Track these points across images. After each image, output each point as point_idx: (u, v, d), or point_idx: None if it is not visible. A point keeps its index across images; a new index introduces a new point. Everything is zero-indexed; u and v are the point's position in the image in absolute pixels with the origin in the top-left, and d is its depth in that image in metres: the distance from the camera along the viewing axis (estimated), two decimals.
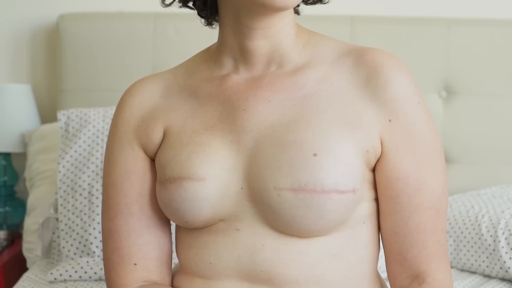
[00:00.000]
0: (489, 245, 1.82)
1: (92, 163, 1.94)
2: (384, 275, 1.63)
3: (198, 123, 1.15)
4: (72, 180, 1.93)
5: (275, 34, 1.13)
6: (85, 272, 1.83)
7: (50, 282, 1.84)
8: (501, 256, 1.79)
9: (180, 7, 1.21)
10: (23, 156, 2.40)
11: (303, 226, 1.08)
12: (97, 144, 1.97)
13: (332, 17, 2.25)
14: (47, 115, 2.44)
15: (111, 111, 2.03)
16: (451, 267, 1.90)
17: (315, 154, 1.07)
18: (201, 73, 1.19)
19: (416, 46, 2.23)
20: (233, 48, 1.16)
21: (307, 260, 1.10)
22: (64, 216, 1.91)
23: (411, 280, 1.13)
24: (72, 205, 1.91)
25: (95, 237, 1.87)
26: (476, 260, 1.85)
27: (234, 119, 1.13)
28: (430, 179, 1.11)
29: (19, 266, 2.20)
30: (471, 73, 2.23)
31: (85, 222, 1.89)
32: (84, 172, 1.93)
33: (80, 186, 1.92)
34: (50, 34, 2.42)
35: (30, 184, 2.22)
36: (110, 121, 2.00)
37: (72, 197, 1.92)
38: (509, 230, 1.80)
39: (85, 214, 1.90)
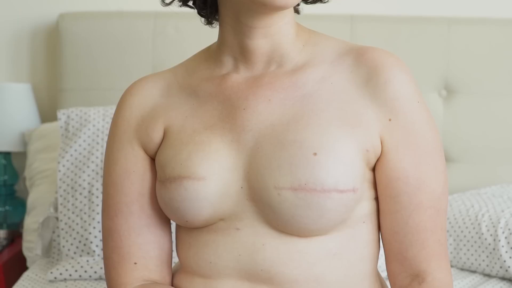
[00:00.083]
0: (489, 244, 1.82)
1: (92, 162, 1.94)
2: (384, 274, 1.63)
3: (198, 123, 1.15)
4: (72, 179, 1.93)
5: (275, 33, 1.13)
6: (85, 271, 1.83)
7: (50, 281, 1.84)
8: (501, 255, 1.79)
9: (180, 6, 1.21)
10: (23, 155, 2.40)
11: (303, 225, 1.08)
12: (97, 143, 1.97)
13: (332, 16, 2.25)
14: (47, 114, 2.44)
15: (111, 110, 2.03)
16: (451, 266, 1.90)
17: (315, 154, 1.07)
18: (201, 72, 1.19)
19: (416, 45, 2.23)
20: (233, 47, 1.16)
21: (307, 259, 1.10)
22: (64, 215, 1.91)
23: (411, 279, 1.13)
24: (72, 204, 1.91)
25: (95, 236, 1.87)
26: (476, 259, 1.85)
27: (234, 118, 1.13)
28: (430, 178, 1.11)
29: (19, 265, 2.20)
30: (471, 72, 2.23)
31: (85, 221, 1.89)
32: (84, 171, 1.93)
33: (80, 185, 1.92)
34: (50, 33, 2.42)
35: (30, 183, 2.22)
36: (110, 120, 2.00)
37: (72, 196, 1.92)
38: (509, 229, 1.80)
39: (85, 213, 1.90)
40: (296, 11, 1.21)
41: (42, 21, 2.43)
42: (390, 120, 1.11)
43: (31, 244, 2.09)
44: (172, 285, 1.21)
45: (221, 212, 1.12)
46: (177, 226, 1.21)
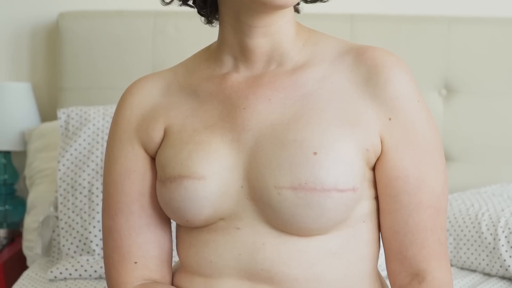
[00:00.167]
0: (489, 243, 1.82)
1: (92, 161, 1.94)
2: (384, 273, 1.63)
3: (199, 122, 1.15)
4: (72, 179, 1.93)
5: (275, 32, 1.13)
6: (85, 271, 1.83)
7: (50, 280, 1.84)
8: (501, 255, 1.79)
9: (180, 5, 1.21)
10: (23, 154, 2.40)
11: (303, 224, 1.08)
12: (97, 142, 1.97)
13: (332, 15, 2.25)
14: (47, 113, 2.44)
15: (111, 109, 2.03)
16: (451, 265, 1.90)
17: (315, 153, 1.07)
18: (201, 71, 1.19)
19: (416, 44, 2.23)
20: (233, 46, 1.16)
21: (307, 258, 1.10)
22: (64, 214, 1.91)
23: (411, 279, 1.13)
24: (72, 203, 1.91)
25: (95, 235, 1.87)
26: (476, 258, 1.85)
27: (234, 118, 1.13)
28: (430, 177, 1.11)
29: (19, 264, 2.20)
30: (471, 71, 2.23)
31: (85, 221, 1.89)
32: (84, 171, 1.93)
33: (80, 184, 1.92)
34: (50, 32, 2.42)
35: (30, 182, 2.22)
36: (110, 119, 2.00)
37: (72, 195, 1.92)
38: (509, 228, 1.80)
39: (85, 212, 1.90)
40: (296, 10, 1.21)
41: (42, 20, 2.43)
42: (390, 119, 1.11)
43: (31, 243, 2.09)
44: (172, 284, 1.21)
45: (221, 211, 1.12)
46: (178, 226, 1.21)
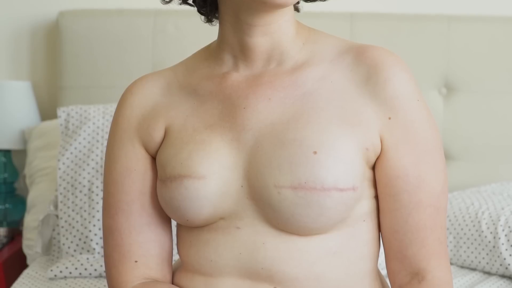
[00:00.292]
0: (489, 242, 1.82)
1: (92, 160, 1.94)
2: (384, 272, 1.63)
3: (199, 122, 1.15)
4: (72, 177, 1.93)
5: (275, 31, 1.13)
6: (85, 269, 1.83)
7: (50, 279, 1.84)
8: (501, 253, 1.79)
9: (180, 3, 1.21)
10: (23, 153, 2.40)
11: (303, 224, 1.08)
12: (97, 141, 1.97)
13: (332, 14, 2.25)
14: (47, 112, 2.44)
15: (111, 108, 2.03)
16: (451, 264, 1.90)
17: (315, 152, 1.07)
18: (201, 71, 1.19)
19: (416, 43, 2.23)
20: (233, 45, 1.16)
21: (307, 258, 1.10)
22: (64, 213, 1.91)
23: (410, 278, 1.13)
24: (72, 202, 1.91)
25: (95, 234, 1.87)
26: (476, 257, 1.85)
27: (234, 118, 1.13)
28: (429, 176, 1.11)
29: (19, 263, 2.20)
30: (471, 70, 2.23)
31: (85, 219, 1.89)
32: (84, 169, 1.93)
33: (80, 183, 1.92)
34: (50, 31, 2.42)
35: (30, 181, 2.22)
36: (110, 118, 2.00)
37: (72, 194, 1.92)
38: (509, 227, 1.80)
39: (85, 211, 1.90)
40: (296, 9, 1.21)
41: (42, 19, 2.43)
42: (389, 118, 1.11)
43: (31, 242, 2.09)
44: (172, 283, 1.21)
45: (221, 211, 1.12)
46: (178, 225, 1.21)
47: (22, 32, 2.43)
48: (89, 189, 1.91)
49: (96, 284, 1.79)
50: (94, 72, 2.30)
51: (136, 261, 1.18)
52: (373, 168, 1.13)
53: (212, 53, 1.20)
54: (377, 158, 1.12)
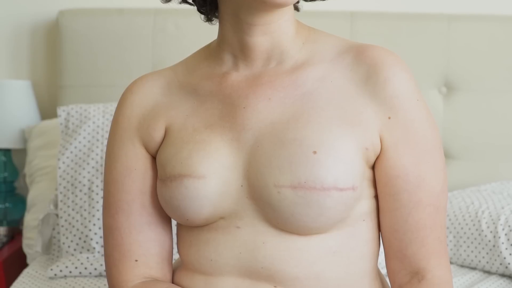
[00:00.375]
0: (489, 241, 1.82)
1: (92, 159, 1.94)
2: (384, 271, 1.63)
3: (199, 122, 1.15)
4: (72, 176, 1.93)
5: (275, 30, 1.13)
6: (85, 268, 1.83)
7: (50, 278, 1.84)
8: (501, 252, 1.79)
9: (180, 3, 1.21)
10: (23, 152, 2.40)
11: (303, 223, 1.08)
12: (97, 140, 1.97)
13: (332, 13, 2.25)
14: (47, 111, 2.44)
15: (111, 107, 2.03)
16: (451, 263, 1.90)
17: (314, 152, 1.07)
18: (201, 70, 1.19)
19: (416, 42, 2.23)
20: (232, 45, 1.16)
21: (307, 257, 1.10)
22: (64, 212, 1.91)
23: (410, 277, 1.13)
24: (72, 201, 1.91)
25: (95, 233, 1.87)
26: (476, 256, 1.85)
27: (234, 117, 1.13)
28: (429, 176, 1.11)
29: (19, 262, 2.20)
30: (471, 69, 2.23)
31: (85, 218, 1.89)
32: (84, 168, 1.93)
33: (80, 182, 1.92)
34: (50, 30, 2.42)
35: (30, 180, 2.22)
36: (110, 117, 2.00)
37: (72, 193, 1.92)
38: (509, 226, 1.80)
39: (85, 210, 1.90)
40: (296, 8, 1.21)
41: (42, 18, 2.43)
42: (389, 118, 1.11)
43: (31, 241, 2.09)
44: (172, 282, 1.21)
45: (221, 210, 1.12)
46: (178, 224, 1.21)
47: (22, 31, 2.43)
48: (89, 188, 1.91)
49: (96, 283, 1.79)
50: (94, 71, 2.30)
51: (136, 260, 1.19)
52: (373, 167, 1.13)
53: (212, 52, 1.20)
54: (377, 158, 1.12)
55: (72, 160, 1.95)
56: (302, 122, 1.09)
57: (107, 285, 1.61)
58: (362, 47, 1.14)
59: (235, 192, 1.11)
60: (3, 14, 2.42)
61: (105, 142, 1.95)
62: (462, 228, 1.88)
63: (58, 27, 2.31)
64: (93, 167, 1.93)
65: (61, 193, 1.93)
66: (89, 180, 1.92)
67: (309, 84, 1.12)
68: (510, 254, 1.78)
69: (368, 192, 1.13)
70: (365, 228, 1.14)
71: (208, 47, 1.22)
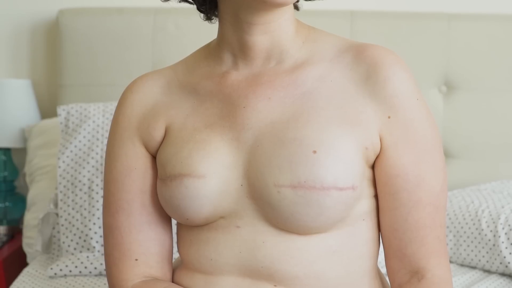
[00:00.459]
0: (489, 240, 1.82)
1: (92, 158, 1.94)
2: (384, 270, 1.63)
3: (199, 121, 1.15)
4: (72, 175, 1.93)
5: (275, 29, 1.13)
6: (85, 267, 1.84)
7: (50, 277, 1.84)
8: (501, 251, 1.79)
9: (180, 1, 1.20)
10: (23, 151, 2.40)
11: (302, 223, 1.08)
12: (97, 139, 1.97)
13: (332, 12, 2.25)
14: (47, 110, 2.44)
15: (111, 106, 2.03)
16: (451, 262, 1.90)
17: (314, 151, 1.07)
18: (201, 69, 1.19)
19: (416, 41, 2.23)
20: (232, 44, 1.16)
21: (307, 256, 1.10)
22: (64, 211, 1.91)
23: (410, 276, 1.13)
24: (72, 200, 1.91)
25: (95, 232, 1.87)
26: (476, 255, 1.85)
27: (234, 117, 1.13)
28: (429, 175, 1.11)
29: (19, 261, 2.20)
30: (471, 68, 2.23)
31: (85, 217, 1.89)
32: (84, 167, 1.93)
33: (80, 181, 1.92)
34: (50, 29, 2.42)
35: (30, 179, 2.22)
36: (110, 116, 2.00)
37: (72, 192, 1.92)
38: (509, 225, 1.80)
39: (85, 209, 1.90)
40: (296, 7, 1.21)
41: (42, 17, 2.43)
42: (389, 117, 1.11)
43: (31, 240, 2.09)
44: (172, 281, 1.21)
45: (221, 210, 1.12)
46: (178, 223, 1.21)
47: (22, 30, 2.43)
48: (89, 187, 1.91)
49: (96, 282, 1.79)
50: (94, 70, 2.30)
51: (136, 259, 1.19)
52: (373, 167, 1.13)
53: (211, 51, 1.20)
54: (377, 157, 1.12)
55: (72, 159, 1.95)
56: (302, 122, 1.09)
57: (107, 284, 1.61)
58: (362, 46, 1.14)
59: (235, 191, 1.11)
60: (3, 13, 2.42)
61: (105, 141, 1.95)
62: (462, 227, 1.88)
63: (58, 26, 2.31)
64: (93, 166, 1.93)
65: (61, 192, 1.93)
66: (89, 179, 1.92)
67: (309, 84, 1.12)
68: (510, 253, 1.78)
69: (368, 191, 1.13)
70: (365, 227, 1.14)
71: (207, 46, 1.22)
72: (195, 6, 1.21)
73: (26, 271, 1.91)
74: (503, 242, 1.79)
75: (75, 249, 1.88)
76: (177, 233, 1.21)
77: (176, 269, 1.22)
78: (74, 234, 1.89)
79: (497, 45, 2.22)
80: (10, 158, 2.38)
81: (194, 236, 1.16)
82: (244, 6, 1.11)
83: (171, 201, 1.13)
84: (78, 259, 1.85)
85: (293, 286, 1.10)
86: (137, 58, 2.28)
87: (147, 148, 1.19)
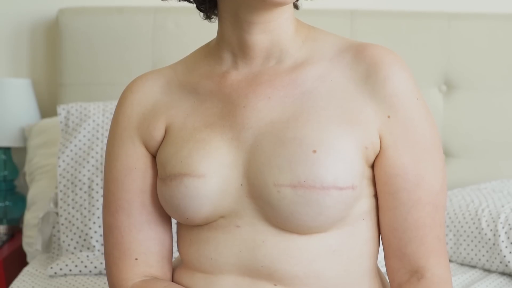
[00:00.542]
0: (489, 239, 1.82)
1: (92, 157, 1.94)
2: (384, 269, 1.63)
3: (199, 121, 1.15)
4: (72, 175, 1.93)
5: (274, 28, 1.13)
6: (85, 267, 1.84)
7: (50, 276, 1.84)
8: (501, 251, 1.79)
9: (179, 0, 1.20)
10: (23, 150, 2.40)
11: (302, 222, 1.08)
12: (97, 138, 1.97)
13: (332, 12, 2.25)
14: (47, 109, 2.44)
15: (111, 105, 2.03)
16: (451, 261, 1.90)
17: (314, 151, 1.07)
18: (201, 69, 1.19)
19: (416, 40, 2.23)
20: (232, 43, 1.16)
21: (307, 256, 1.10)
22: (64, 210, 1.91)
23: (410, 276, 1.13)
24: (72, 200, 1.91)
25: (95, 232, 1.87)
26: (476, 255, 1.85)
27: (234, 116, 1.13)
28: (428, 175, 1.11)
29: (19, 260, 2.20)
30: (471, 67, 2.23)
31: (85, 217, 1.89)
32: (84, 167, 1.93)
33: (80, 180, 1.92)
34: (50, 28, 2.42)
35: (30, 178, 2.22)
36: (110, 116, 2.00)
37: (72, 191, 1.92)
38: (509, 224, 1.80)
39: (85, 208, 1.90)
40: (296, 6, 1.20)
41: (42, 16, 2.42)
42: (389, 117, 1.11)
43: (31, 240, 2.09)
44: (172, 281, 1.21)
45: (221, 209, 1.12)
46: (178, 223, 1.21)
47: (22, 30, 2.43)
48: (89, 187, 1.91)
49: (96, 282, 1.79)
50: (94, 70, 2.30)
51: (136, 259, 1.19)
52: (372, 166, 1.13)
53: (211, 51, 1.20)
54: (376, 157, 1.12)
55: (72, 159, 1.95)
56: (301, 121, 1.09)
57: (107, 284, 1.61)
58: (361, 46, 1.14)
59: (235, 191, 1.11)
60: (3, 13, 2.42)
61: (105, 140, 1.95)
62: (462, 227, 1.88)
63: (58, 26, 2.30)
64: (93, 166, 1.93)
65: (61, 191, 1.93)
66: (89, 179, 1.92)
67: (308, 83, 1.12)
68: (510, 253, 1.78)
69: (368, 191, 1.13)
70: (365, 227, 1.14)
71: (207, 45, 1.22)
72: (195, 5, 1.21)
73: (26, 270, 1.91)
74: (503, 241, 1.79)
75: (75, 248, 1.89)
76: (177, 233, 1.21)
77: (176, 269, 1.22)
78: (74, 233, 1.89)
79: (497, 44, 2.22)
80: (10, 157, 2.38)
81: (194, 235, 1.16)
82: (244, 5, 1.11)
83: (171, 200, 1.13)
84: (78, 258, 1.85)
85: (293, 286, 1.10)
86: (137, 57, 2.27)
87: (147, 148, 1.19)
